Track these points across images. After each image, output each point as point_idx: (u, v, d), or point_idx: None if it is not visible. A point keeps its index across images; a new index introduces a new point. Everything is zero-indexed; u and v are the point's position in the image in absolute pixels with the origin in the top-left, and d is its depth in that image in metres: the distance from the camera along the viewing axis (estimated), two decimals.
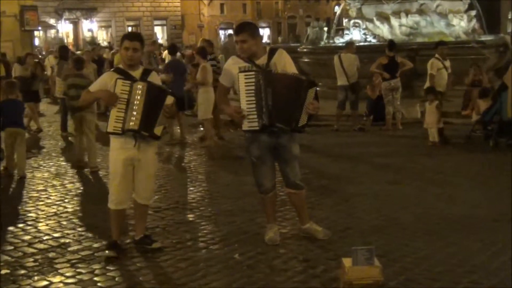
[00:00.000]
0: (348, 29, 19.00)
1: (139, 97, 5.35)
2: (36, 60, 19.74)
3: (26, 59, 14.77)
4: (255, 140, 5.63)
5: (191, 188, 8.24)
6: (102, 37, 44.57)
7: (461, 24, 17.98)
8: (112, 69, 5.83)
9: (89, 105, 6.06)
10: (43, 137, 13.30)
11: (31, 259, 5.56)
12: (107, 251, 5.56)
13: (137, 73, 5.53)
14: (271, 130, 5.53)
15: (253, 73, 5.43)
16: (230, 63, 5.70)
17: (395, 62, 12.43)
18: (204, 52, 11.74)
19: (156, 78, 5.68)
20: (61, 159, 10.71)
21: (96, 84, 5.63)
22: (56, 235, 6.28)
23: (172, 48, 14.03)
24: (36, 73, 15.23)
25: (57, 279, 5.10)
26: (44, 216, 7.02)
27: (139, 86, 5.37)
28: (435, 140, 10.63)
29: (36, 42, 38.36)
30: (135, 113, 5.33)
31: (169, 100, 5.54)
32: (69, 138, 12.67)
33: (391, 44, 12.79)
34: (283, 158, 5.74)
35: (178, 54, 16.50)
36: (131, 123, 5.33)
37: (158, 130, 5.49)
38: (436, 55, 11.35)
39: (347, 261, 4.70)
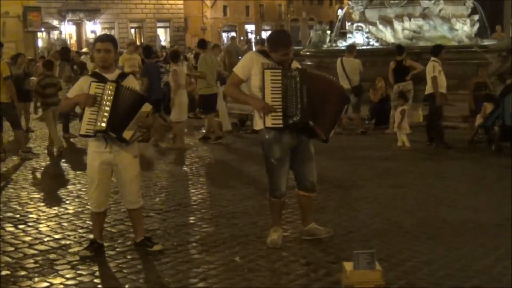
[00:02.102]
0: (351, 32, 18.99)
1: (109, 98, 5.35)
2: (30, 58, 19.83)
3: (18, 59, 14.84)
4: (277, 141, 5.54)
5: (193, 190, 8.22)
6: None
7: (464, 29, 17.95)
8: (88, 74, 5.83)
9: (69, 111, 6.10)
10: (45, 138, 13.27)
11: (32, 261, 5.55)
12: (84, 250, 5.64)
13: (112, 75, 5.54)
14: (292, 130, 5.49)
15: (279, 71, 5.42)
16: (252, 57, 5.62)
17: (402, 66, 12.50)
18: (176, 56, 11.85)
19: (132, 82, 5.63)
20: (63, 160, 10.70)
21: (74, 89, 5.64)
22: (57, 236, 6.27)
23: (147, 51, 13.31)
24: (28, 71, 15.34)
25: (57, 280, 5.08)
26: (45, 217, 7.00)
27: (109, 87, 5.38)
28: (402, 145, 10.82)
29: (39, 43, 38.38)
30: (105, 113, 5.33)
31: (146, 108, 5.49)
32: (71, 139, 12.69)
33: (397, 48, 12.89)
34: (302, 158, 5.70)
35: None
36: (100, 124, 5.33)
37: (127, 134, 5.42)
38: (434, 59, 11.25)
39: (348, 265, 4.68)
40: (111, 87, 5.38)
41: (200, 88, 12.57)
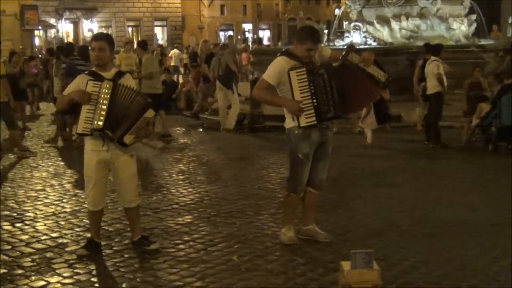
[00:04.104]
0: (349, 31, 19.01)
1: (105, 96, 5.35)
2: (26, 57, 19.74)
3: (12, 57, 14.76)
4: (307, 138, 5.57)
5: (190, 190, 8.21)
6: None
7: (461, 28, 18.00)
8: (85, 72, 5.81)
9: (65, 108, 6.00)
10: (42, 136, 13.26)
11: (29, 259, 5.54)
12: (81, 249, 5.63)
13: (109, 74, 5.52)
14: (321, 126, 5.55)
15: (304, 69, 5.44)
16: (283, 63, 5.56)
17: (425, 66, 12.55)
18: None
19: (129, 81, 5.60)
20: (60, 158, 10.69)
21: (70, 87, 5.62)
22: (54, 235, 6.25)
23: (67, 50, 12.54)
24: (24, 70, 15.28)
25: (54, 279, 5.07)
26: (42, 216, 6.99)
27: (106, 85, 5.37)
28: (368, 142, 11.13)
29: (36, 41, 38.33)
30: (102, 112, 5.33)
31: (150, 113, 5.47)
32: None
33: (424, 46, 12.93)
34: (321, 154, 5.72)
35: None
36: (97, 122, 5.33)
37: (128, 138, 5.40)
38: (435, 58, 11.26)
39: (346, 264, 4.69)
40: (107, 85, 5.37)
41: (144, 88, 12.13)
